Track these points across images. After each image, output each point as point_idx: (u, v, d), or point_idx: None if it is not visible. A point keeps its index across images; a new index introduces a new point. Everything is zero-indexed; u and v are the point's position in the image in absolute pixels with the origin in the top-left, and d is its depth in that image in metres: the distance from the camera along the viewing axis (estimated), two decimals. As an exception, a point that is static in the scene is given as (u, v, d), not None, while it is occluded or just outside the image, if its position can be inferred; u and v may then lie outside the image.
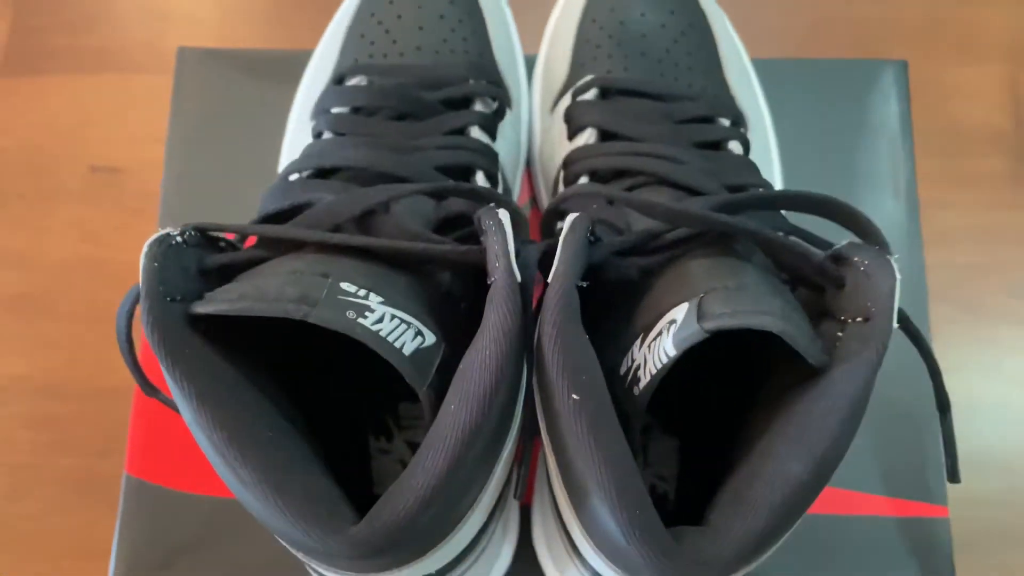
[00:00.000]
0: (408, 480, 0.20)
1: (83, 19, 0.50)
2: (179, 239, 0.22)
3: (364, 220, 0.24)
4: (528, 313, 0.23)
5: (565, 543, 0.25)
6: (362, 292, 0.21)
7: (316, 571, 0.24)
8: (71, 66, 0.50)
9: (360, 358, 0.29)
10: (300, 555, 0.23)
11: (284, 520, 0.20)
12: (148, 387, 0.25)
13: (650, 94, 0.31)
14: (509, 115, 0.33)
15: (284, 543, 0.23)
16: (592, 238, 0.24)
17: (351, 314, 0.21)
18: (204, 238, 0.23)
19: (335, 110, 0.30)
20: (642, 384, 0.22)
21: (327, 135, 0.29)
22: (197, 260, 0.22)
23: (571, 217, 0.23)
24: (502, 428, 0.23)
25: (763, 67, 0.36)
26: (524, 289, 0.22)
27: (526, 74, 0.36)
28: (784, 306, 0.21)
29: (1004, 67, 0.50)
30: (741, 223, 0.22)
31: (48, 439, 0.44)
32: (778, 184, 0.35)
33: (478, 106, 0.31)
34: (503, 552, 0.28)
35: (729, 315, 0.20)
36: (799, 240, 0.23)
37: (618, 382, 0.23)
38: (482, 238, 0.23)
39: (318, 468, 0.23)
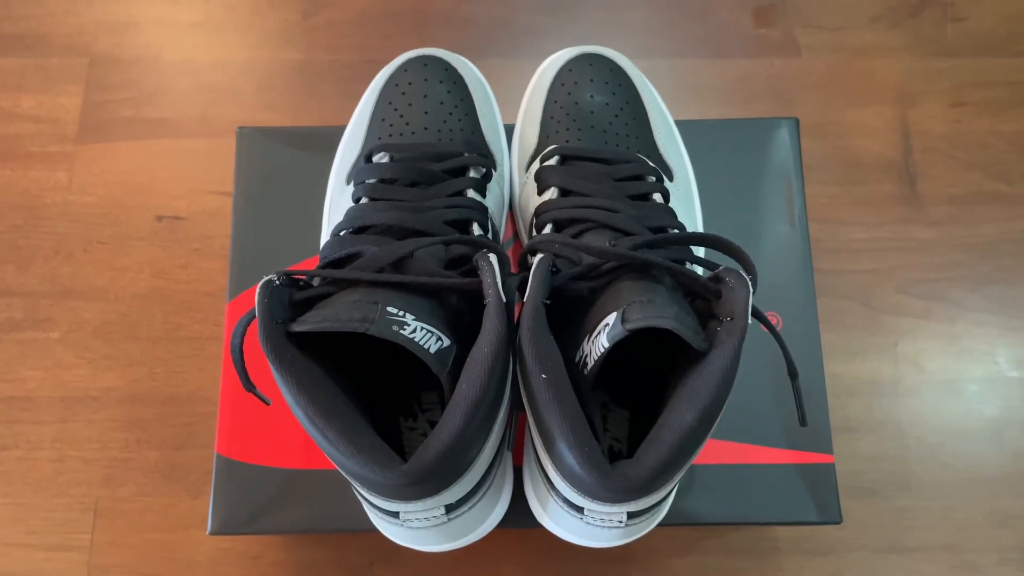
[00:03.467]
0: (438, 434, 0.31)
1: (144, 95, 0.61)
2: (277, 282, 0.33)
3: (398, 263, 0.34)
4: (511, 322, 0.34)
5: (544, 481, 0.36)
6: (401, 313, 0.32)
7: (373, 504, 0.35)
8: (136, 133, 0.60)
9: (393, 362, 0.40)
10: (363, 491, 0.34)
11: (357, 463, 0.31)
12: (248, 384, 0.36)
13: (597, 158, 0.42)
14: (495, 175, 0.44)
15: (353, 481, 0.34)
16: (554, 269, 0.35)
17: (395, 328, 0.32)
18: (290, 280, 0.34)
19: (368, 181, 0.41)
20: (589, 367, 0.33)
21: (364, 200, 0.40)
22: (288, 295, 0.33)
23: (538, 256, 0.35)
24: (496, 400, 0.34)
25: (686, 127, 0.47)
26: (508, 307, 0.33)
27: (507, 141, 0.47)
28: (679, 311, 0.32)
29: (894, 108, 0.61)
30: (651, 257, 0.34)
31: (136, 437, 0.54)
32: (699, 218, 0.46)
33: (471, 173, 0.42)
34: (503, 494, 0.39)
35: (641, 319, 0.31)
36: (691, 268, 0.34)
37: (574, 366, 0.34)
38: (479, 273, 0.34)
39: (374, 433, 0.33)
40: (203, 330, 0.56)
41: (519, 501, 0.41)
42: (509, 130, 0.48)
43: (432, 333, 0.33)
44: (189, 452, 0.54)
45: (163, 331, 0.56)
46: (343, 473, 0.34)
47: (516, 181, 0.46)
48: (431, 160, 0.41)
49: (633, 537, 0.38)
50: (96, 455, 0.54)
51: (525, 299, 0.33)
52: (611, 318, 0.32)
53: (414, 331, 0.32)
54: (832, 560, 0.52)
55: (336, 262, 0.36)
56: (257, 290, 0.32)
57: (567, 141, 0.43)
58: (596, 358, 0.33)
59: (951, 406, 0.55)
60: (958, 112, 0.61)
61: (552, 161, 0.42)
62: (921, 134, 0.61)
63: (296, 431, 0.44)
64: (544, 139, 0.44)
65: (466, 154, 0.42)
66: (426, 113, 0.44)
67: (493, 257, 0.34)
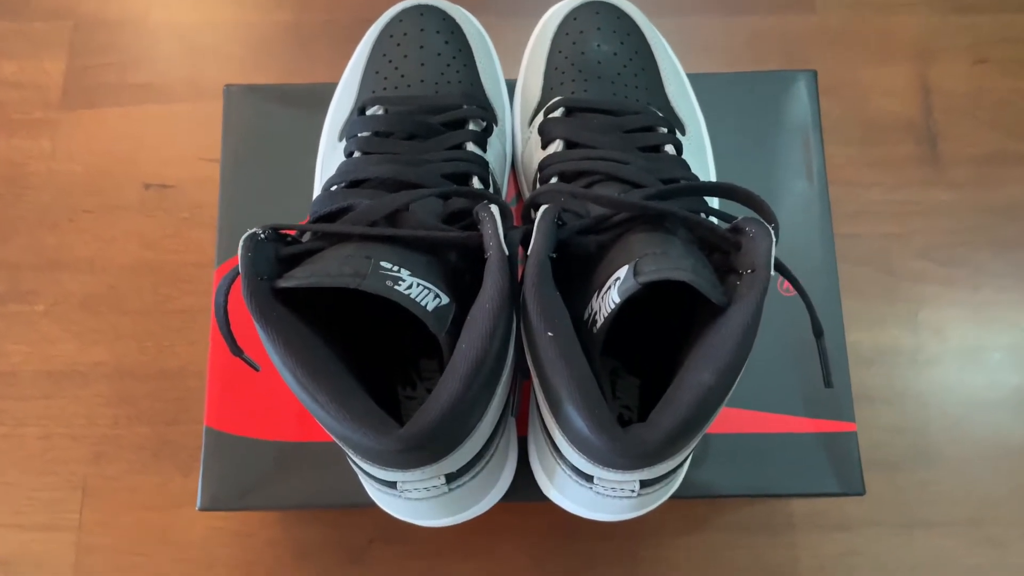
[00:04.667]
0: (436, 397, 0.29)
1: (130, 59, 0.59)
2: (262, 236, 0.31)
3: (392, 217, 0.32)
4: (515, 278, 0.31)
5: (551, 449, 0.34)
6: (396, 268, 0.30)
7: (369, 474, 0.33)
8: (122, 99, 0.58)
9: (391, 328, 0.37)
10: (358, 459, 0.32)
11: (350, 427, 0.29)
12: (235, 348, 0.34)
13: (605, 110, 0.39)
14: (496, 130, 0.41)
15: (347, 448, 0.31)
16: (560, 222, 0.33)
17: (390, 283, 0.29)
18: (277, 235, 0.32)
19: (361, 134, 0.38)
20: (599, 325, 0.31)
21: (357, 154, 0.38)
22: (275, 250, 0.31)
23: (543, 208, 0.32)
24: (499, 361, 0.31)
25: (698, 81, 0.45)
26: (511, 261, 0.31)
27: (508, 95, 0.44)
28: (695, 264, 0.30)
29: (913, 65, 0.59)
30: (665, 207, 0.31)
31: (125, 413, 0.52)
32: (712, 175, 0.43)
33: (471, 126, 0.39)
34: (506, 465, 0.37)
35: (655, 271, 0.29)
36: (707, 218, 0.32)
37: (582, 325, 0.32)
38: (479, 226, 0.32)
39: (367, 396, 0.31)
40: (193, 302, 0.54)
41: (524, 473, 0.39)
42: (511, 87, 0.45)
43: (429, 290, 0.30)
44: (180, 428, 0.52)
45: (152, 303, 0.54)
46: (336, 440, 0.32)
47: (519, 136, 0.43)
48: (428, 113, 0.39)
49: (646, 509, 0.36)
50: (84, 432, 0.52)
51: (529, 253, 0.31)
52: (622, 272, 0.30)
53: (410, 287, 0.30)
54: (850, 536, 0.50)
55: (327, 216, 0.33)
56: (240, 244, 0.30)
57: (572, 93, 0.41)
58: (606, 315, 0.30)
59: (974, 376, 0.53)
60: (980, 70, 0.59)
61: (557, 113, 0.40)
62: (941, 93, 0.58)
63: (289, 402, 0.42)
64: (548, 91, 0.42)
65: (465, 106, 0.40)
66: (422, 64, 0.41)
67: (495, 208, 0.32)
